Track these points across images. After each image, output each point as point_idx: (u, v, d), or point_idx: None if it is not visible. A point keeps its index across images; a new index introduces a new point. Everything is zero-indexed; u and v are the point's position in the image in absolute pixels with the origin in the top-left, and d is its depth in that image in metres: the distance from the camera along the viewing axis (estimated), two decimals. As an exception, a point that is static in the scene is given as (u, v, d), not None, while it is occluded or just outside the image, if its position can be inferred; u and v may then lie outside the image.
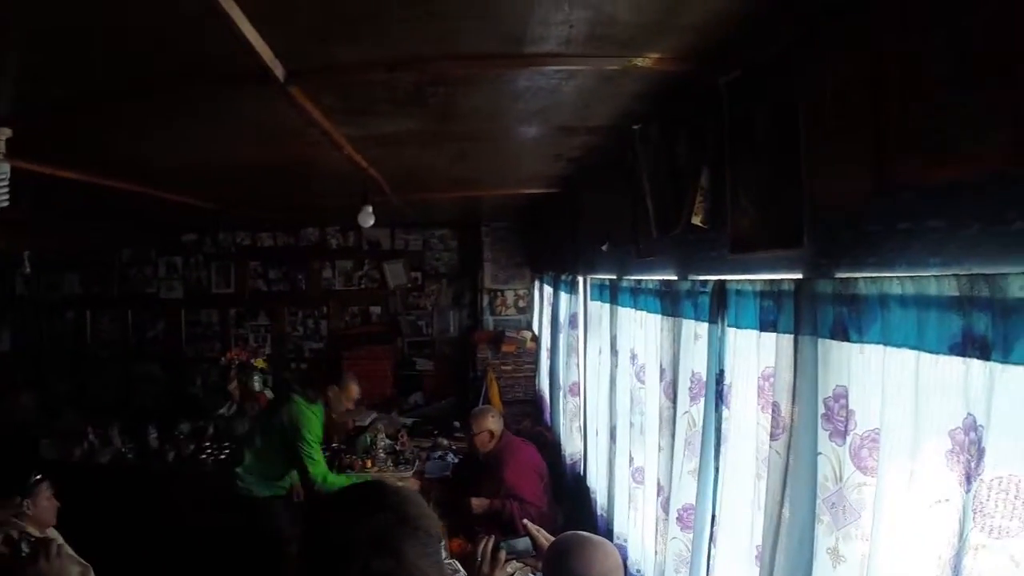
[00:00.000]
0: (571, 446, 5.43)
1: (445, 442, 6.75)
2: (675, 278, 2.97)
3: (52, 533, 3.29)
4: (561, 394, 5.73)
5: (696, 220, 2.61)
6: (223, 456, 6.62)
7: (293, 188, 4.78)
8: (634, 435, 3.58)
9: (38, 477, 3.45)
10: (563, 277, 5.54)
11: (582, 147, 3.71)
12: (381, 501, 1.49)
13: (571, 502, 5.30)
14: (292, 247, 8.84)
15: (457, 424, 7.21)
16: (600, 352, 4.31)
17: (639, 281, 3.42)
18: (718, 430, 2.47)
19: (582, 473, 5.16)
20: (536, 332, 7.72)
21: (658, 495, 3.08)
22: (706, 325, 2.54)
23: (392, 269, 8.64)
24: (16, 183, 2.50)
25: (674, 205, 2.90)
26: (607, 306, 4.05)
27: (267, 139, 3.25)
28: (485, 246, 8.03)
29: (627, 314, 3.68)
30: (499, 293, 8.06)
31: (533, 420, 7.11)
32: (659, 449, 3.07)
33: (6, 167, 2.28)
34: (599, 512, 4.44)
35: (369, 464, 6.19)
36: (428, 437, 6.95)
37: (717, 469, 2.48)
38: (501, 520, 4.91)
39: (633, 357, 3.57)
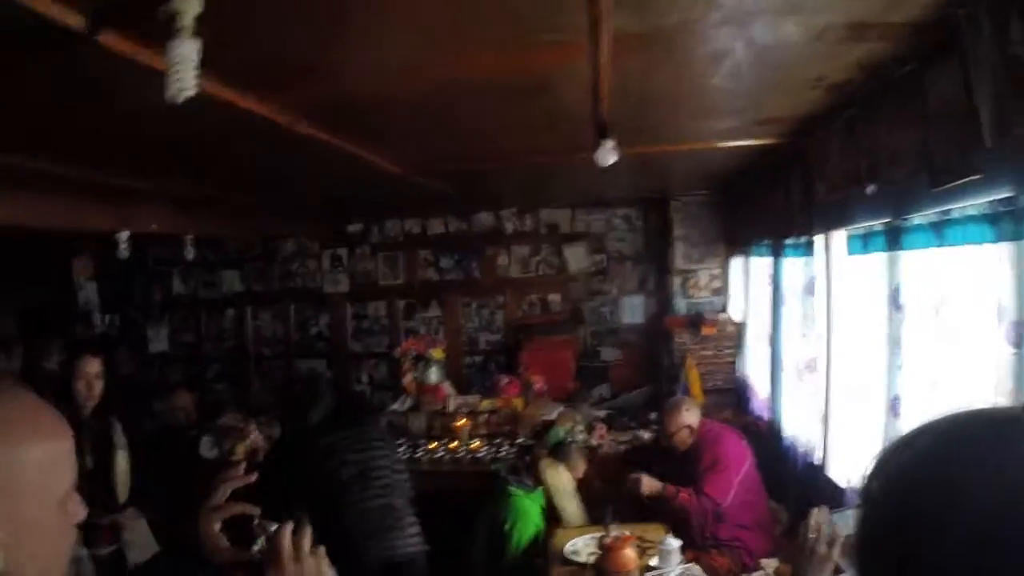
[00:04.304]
0: (803, 433, 4.75)
1: (645, 435, 6.21)
2: (1012, 194, 2.36)
3: None
4: (787, 375, 5.09)
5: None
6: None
7: (494, 131, 4.20)
8: (939, 401, 2.94)
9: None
10: (789, 241, 4.90)
11: (861, 60, 3.03)
12: None
13: (801, 498, 4.65)
14: (465, 233, 8.49)
15: (653, 416, 6.68)
16: (870, 312, 3.66)
17: (946, 212, 2.79)
18: None
19: (819, 463, 4.48)
20: (733, 313, 7.11)
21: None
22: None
23: (573, 253, 8.15)
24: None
25: (1013, 101, 2.31)
26: (882, 255, 3.42)
27: (502, 40, 2.68)
28: (675, 223, 7.41)
29: (921, 257, 3.05)
30: (691, 274, 7.42)
31: (737, 410, 6.48)
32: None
33: (196, 45, 1.82)
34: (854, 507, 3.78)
35: (564, 460, 5.71)
36: (625, 431, 6.42)
37: None
38: (672, 510, 4.48)
39: (939, 307, 2.93)
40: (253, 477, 1.90)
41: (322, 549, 1.68)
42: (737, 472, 4.52)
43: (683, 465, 4.64)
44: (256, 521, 1.76)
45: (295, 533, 1.65)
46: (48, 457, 1.23)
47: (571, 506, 4.76)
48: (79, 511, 1.29)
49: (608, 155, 3.73)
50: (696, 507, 4.39)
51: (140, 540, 4.08)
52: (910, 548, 0.82)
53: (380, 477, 4.21)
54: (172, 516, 4.18)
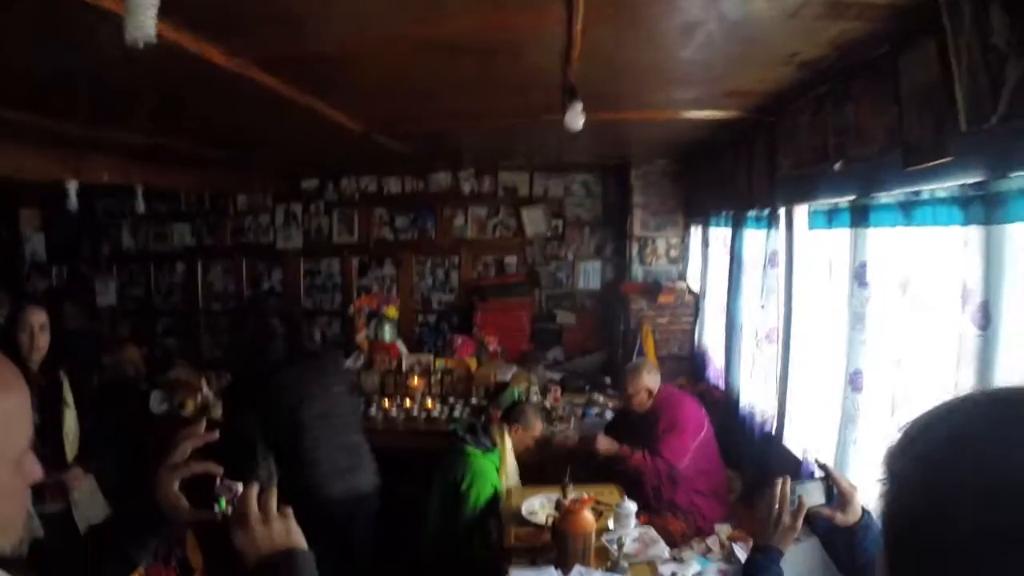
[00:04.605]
0: (760, 403, 4.83)
1: (601, 398, 6.25)
2: (982, 179, 2.42)
3: None
4: (745, 345, 5.15)
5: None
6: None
7: (462, 91, 4.14)
8: (901, 378, 3.01)
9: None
10: (751, 213, 4.94)
11: (836, 39, 3.06)
12: None
13: (757, 466, 4.74)
14: (421, 193, 8.42)
15: (608, 380, 6.74)
16: (832, 286, 3.72)
17: (915, 192, 2.84)
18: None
19: (775, 432, 4.56)
20: (691, 282, 7.15)
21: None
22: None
23: (531, 216, 8.12)
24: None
25: (990, 89, 2.34)
26: (846, 231, 3.46)
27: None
28: (635, 190, 7.41)
29: (887, 235, 3.10)
30: (650, 241, 7.45)
31: (692, 378, 6.56)
32: (955, 391, 2.49)
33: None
34: (815, 478, 3.85)
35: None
36: (581, 393, 6.46)
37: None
38: (626, 471, 4.54)
39: (904, 285, 2.98)
40: (215, 435, 1.79)
41: (289, 510, 1.57)
42: (694, 436, 4.59)
43: (641, 428, 4.68)
44: (219, 481, 1.64)
45: (261, 494, 1.56)
46: (5, 412, 1.14)
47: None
48: (35, 470, 1.21)
49: (577, 117, 3.71)
50: (651, 468, 4.45)
51: (88, 498, 4.03)
52: (939, 531, 0.79)
53: (341, 415, 4.27)
54: (120, 474, 4.12)
